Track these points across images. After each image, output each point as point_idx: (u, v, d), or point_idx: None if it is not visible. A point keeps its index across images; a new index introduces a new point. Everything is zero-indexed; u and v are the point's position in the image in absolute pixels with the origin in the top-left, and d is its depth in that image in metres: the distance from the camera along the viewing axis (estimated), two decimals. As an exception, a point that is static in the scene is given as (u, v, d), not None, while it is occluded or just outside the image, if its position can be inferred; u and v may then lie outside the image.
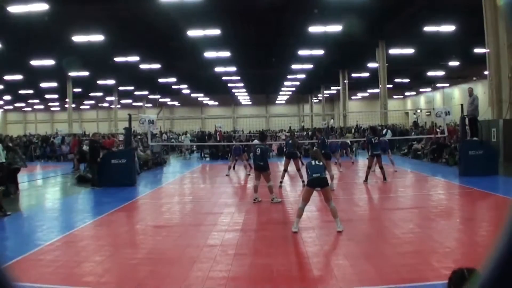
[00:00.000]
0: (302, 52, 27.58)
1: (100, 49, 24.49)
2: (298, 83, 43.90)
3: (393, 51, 28.25)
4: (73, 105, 43.20)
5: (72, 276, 5.54)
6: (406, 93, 57.10)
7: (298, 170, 13.43)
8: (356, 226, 7.95)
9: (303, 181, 12.56)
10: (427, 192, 12.27)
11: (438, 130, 19.33)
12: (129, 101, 55.72)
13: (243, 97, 57.99)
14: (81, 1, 18.38)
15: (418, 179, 15.25)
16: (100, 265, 5.94)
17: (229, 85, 44.38)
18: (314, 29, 21.72)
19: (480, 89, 28.76)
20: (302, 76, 38.89)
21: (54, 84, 38.41)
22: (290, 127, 38.31)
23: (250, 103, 60.89)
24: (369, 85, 43.68)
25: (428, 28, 22.70)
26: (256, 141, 22.67)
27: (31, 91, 43.39)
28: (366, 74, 37.08)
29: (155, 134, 30.25)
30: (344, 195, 11.94)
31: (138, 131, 28.93)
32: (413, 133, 26.46)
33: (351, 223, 8.07)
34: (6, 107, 59.76)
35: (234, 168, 18.57)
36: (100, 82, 38.90)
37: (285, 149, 16.86)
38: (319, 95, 55.03)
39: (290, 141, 14.06)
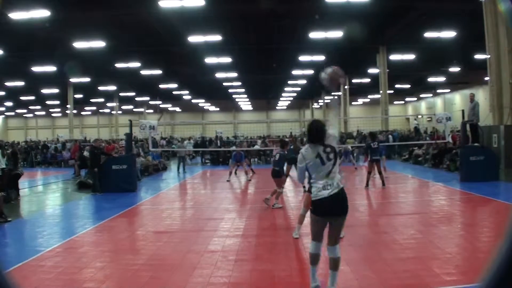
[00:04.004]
0: (303, 58, 27.65)
1: (101, 55, 24.61)
2: (299, 88, 43.96)
3: (394, 56, 28.30)
4: (74, 111, 43.28)
5: (73, 282, 5.53)
6: (407, 99, 57.11)
7: None
8: (357, 232, 7.93)
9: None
10: (428, 198, 12.26)
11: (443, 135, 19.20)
12: (130, 107, 55.82)
13: (244, 103, 58.05)
14: (82, 7, 18.47)
15: (419, 185, 15.22)
16: (101, 271, 5.93)
17: (230, 90, 44.47)
18: (314, 35, 21.78)
19: (481, 95, 28.76)
20: (303, 81, 38.95)
21: (55, 90, 38.56)
22: (291, 132, 38.29)
23: (251, 108, 60.94)
24: (370, 91, 43.73)
25: (428, 34, 22.74)
26: (257, 146, 22.60)
27: (32, 97, 43.52)
28: (367, 80, 37.11)
29: (179, 140, 30.22)
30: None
31: (139, 137, 28.96)
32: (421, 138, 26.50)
33: (352, 228, 8.05)
34: (7, 113, 59.88)
35: (236, 173, 18.56)
36: (101, 88, 39.02)
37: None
38: (320, 101, 55.08)
39: (292, 146, 14.01)
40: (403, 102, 58.64)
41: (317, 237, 4.20)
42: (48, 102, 48.57)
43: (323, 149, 4.13)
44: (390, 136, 25.58)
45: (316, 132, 4.22)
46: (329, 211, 4.08)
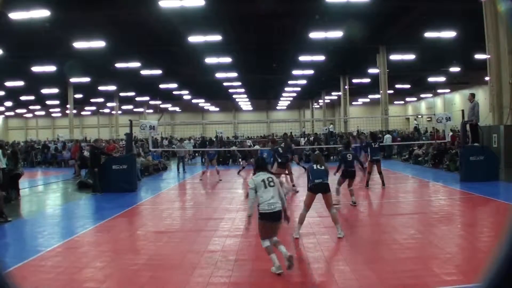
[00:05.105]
0: (303, 58, 27.64)
1: (101, 55, 24.57)
2: (299, 88, 43.97)
3: (394, 56, 28.29)
4: (74, 111, 43.27)
5: (73, 282, 5.55)
6: (407, 99, 57.12)
7: (290, 173, 13.48)
8: (357, 232, 7.94)
9: (293, 185, 12.88)
10: (428, 198, 12.26)
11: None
12: (130, 107, 55.80)
13: (244, 103, 58.06)
14: (82, 7, 18.45)
15: (419, 185, 15.23)
16: (101, 271, 5.94)
17: (230, 90, 44.50)
18: (315, 35, 21.76)
19: (481, 95, 28.78)
20: (303, 81, 38.95)
21: (55, 90, 38.51)
22: (291, 132, 38.25)
23: (251, 108, 60.94)
24: (370, 91, 43.74)
25: (428, 34, 22.72)
26: (257, 146, 22.63)
27: (32, 97, 43.50)
28: (367, 80, 37.10)
29: (178, 140, 30.24)
30: (345, 201, 11.90)
31: (139, 137, 28.93)
32: (423, 138, 26.59)
33: (352, 228, 8.06)
34: (7, 113, 59.89)
35: (239, 173, 18.77)
36: (101, 88, 39.00)
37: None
38: (320, 101, 55.08)
39: (283, 144, 13.90)
40: (403, 102, 58.63)
41: (267, 236, 5.62)
42: (48, 102, 48.52)
43: (267, 178, 5.75)
44: (387, 136, 25.50)
45: (261, 163, 6.18)
46: (271, 220, 5.61)
